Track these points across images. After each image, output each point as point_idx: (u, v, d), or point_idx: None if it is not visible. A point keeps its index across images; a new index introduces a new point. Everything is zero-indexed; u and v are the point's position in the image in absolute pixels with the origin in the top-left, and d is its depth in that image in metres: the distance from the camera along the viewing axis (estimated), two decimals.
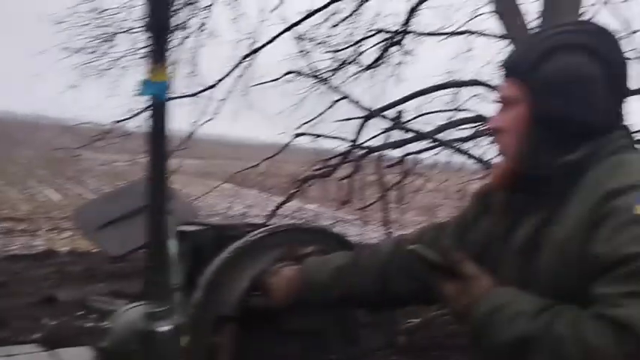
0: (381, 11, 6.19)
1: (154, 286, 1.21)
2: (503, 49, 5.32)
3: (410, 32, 6.12)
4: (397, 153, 5.72)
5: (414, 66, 6.48)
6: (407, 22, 6.02)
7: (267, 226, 1.73)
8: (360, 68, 6.28)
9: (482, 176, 4.92)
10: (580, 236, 1.04)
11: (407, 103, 5.62)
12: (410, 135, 5.24)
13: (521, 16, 4.78)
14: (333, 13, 6.08)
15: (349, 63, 6.26)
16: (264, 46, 6.06)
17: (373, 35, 6.15)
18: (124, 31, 6.27)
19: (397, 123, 5.20)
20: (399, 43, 6.17)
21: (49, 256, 8.48)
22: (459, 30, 6.15)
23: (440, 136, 5.27)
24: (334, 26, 6.09)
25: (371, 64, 6.27)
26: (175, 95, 6.32)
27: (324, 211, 8.19)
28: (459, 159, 5.39)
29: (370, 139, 5.59)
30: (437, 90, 5.73)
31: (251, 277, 1.56)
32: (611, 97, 1.15)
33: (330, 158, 5.88)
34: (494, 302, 1.07)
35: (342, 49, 6.20)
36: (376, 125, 5.49)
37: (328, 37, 6.16)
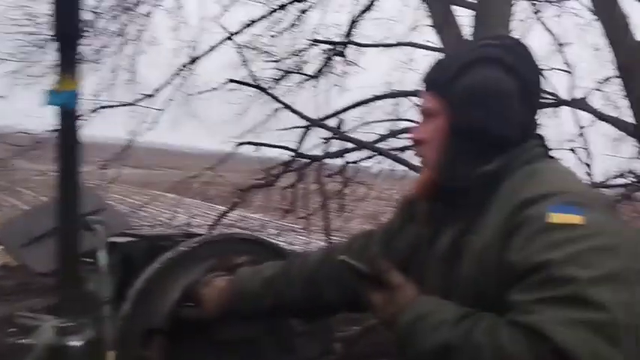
0: (322, 22, 6.26)
1: (65, 300, 1.17)
2: None
3: (352, 43, 6.21)
4: (339, 162, 5.78)
5: (357, 76, 6.58)
6: (349, 33, 6.11)
7: (200, 236, 1.73)
8: (304, 78, 6.32)
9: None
10: (497, 245, 1.07)
11: (349, 112, 5.70)
12: (351, 144, 5.31)
13: (456, 30, 4.93)
14: (276, 23, 6.11)
15: (292, 72, 6.29)
16: (204, 54, 6.02)
17: (316, 45, 6.20)
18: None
19: (338, 132, 5.25)
20: (341, 53, 6.24)
21: None
22: (399, 42, 6.29)
23: (380, 145, 5.35)
24: (275, 36, 6.12)
25: (314, 74, 6.32)
26: (114, 103, 6.20)
27: (269, 221, 8.15)
28: (401, 167, 5.48)
29: (312, 148, 5.63)
30: (378, 100, 5.83)
31: (182, 287, 1.55)
32: (525, 109, 1.18)
33: (273, 167, 5.88)
34: (417, 311, 1.09)
35: (284, 59, 6.22)
36: (319, 134, 5.54)
37: (271, 46, 6.19)
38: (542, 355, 0.92)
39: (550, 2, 5.68)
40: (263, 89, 5.50)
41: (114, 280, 1.61)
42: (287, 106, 5.37)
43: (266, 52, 6.15)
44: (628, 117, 4.61)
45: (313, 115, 5.50)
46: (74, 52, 1.11)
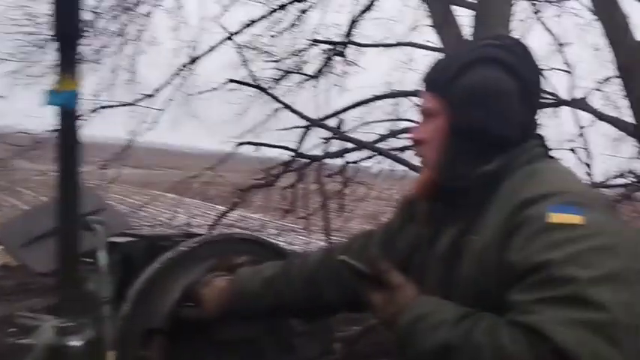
0: (323, 22, 6.26)
1: (65, 300, 1.17)
2: None
3: (352, 43, 6.21)
4: (339, 162, 5.78)
5: (357, 76, 6.58)
6: (349, 33, 6.11)
7: (200, 236, 1.73)
8: (304, 78, 6.32)
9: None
10: (497, 245, 1.07)
11: (349, 112, 5.70)
12: (351, 144, 5.31)
13: (456, 29, 4.93)
14: (276, 23, 6.11)
15: (292, 72, 6.30)
16: (204, 54, 6.02)
17: (316, 45, 6.20)
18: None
19: (337, 132, 5.25)
20: (341, 53, 6.24)
21: None
22: (399, 42, 6.30)
23: (380, 145, 5.35)
24: (274, 36, 6.12)
25: (314, 74, 6.32)
26: (114, 103, 6.20)
27: (269, 221, 8.15)
28: (401, 167, 5.48)
29: (312, 148, 5.63)
30: (378, 100, 5.83)
31: (182, 287, 1.55)
32: (525, 109, 1.18)
33: (273, 167, 5.88)
34: (417, 311, 1.09)
35: (285, 59, 6.23)
36: (319, 134, 5.54)
37: (271, 46, 6.19)
38: (542, 355, 0.92)
39: (550, 2, 5.68)
40: (263, 89, 5.50)
41: (114, 280, 1.61)
42: (287, 106, 5.37)
43: (266, 52, 6.15)
44: (628, 117, 4.61)
45: (313, 115, 5.50)
46: (74, 52, 1.10)
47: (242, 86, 5.64)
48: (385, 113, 5.94)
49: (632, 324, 0.93)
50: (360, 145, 5.28)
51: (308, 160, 5.60)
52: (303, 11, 6.13)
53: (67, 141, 1.15)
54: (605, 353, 0.90)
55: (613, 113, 5.14)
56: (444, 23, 4.88)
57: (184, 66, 6.07)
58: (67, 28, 1.08)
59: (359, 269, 1.17)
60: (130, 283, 1.53)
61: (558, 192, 1.06)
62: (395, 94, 5.85)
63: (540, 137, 1.24)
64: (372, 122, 5.80)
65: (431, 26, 5.16)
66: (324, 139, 5.42)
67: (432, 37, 5.53)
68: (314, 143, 5.61)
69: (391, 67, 6.41)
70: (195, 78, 6.24)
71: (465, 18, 4.92)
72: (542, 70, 1.27)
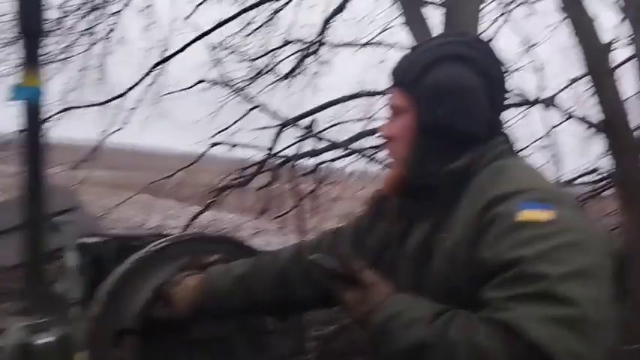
0: (295, 22, 6.26)
1: (33, 299, 1.16)
2: None
3: (325, 43, 6.22)
4: (313, 162, 5.79)
5: (330, 76, 6.60)
6: (322, 32, 6.12)
7: (171, 235, 1.71)
8: (277, 78, 6.31)
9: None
10: (467, 242, 1.07)
11: (323, 112, 5.70)
12: (323, 144, 5.32)
13: (427, 29, 4.97)
14: (248, 23, 6.08)
15: (265, 72, 6.28)
16: (175, 54, 5.95)
17: (288, 45, 6.20)
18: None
19: (310, 132, 5.26)
20: (314, 53, 6.25)
21: None
22: (371, 42, 6.33)
23: (354, 144, 5.37)
24: (247, 35, 6.09)
25: (287, 74, 6.31)
26: (83, 103, 6.11)
27: (243, 221, 8.12)
28: (374, 167, 5.51)
29: (286, 148, 5.62)
30: (351, 99, 5.85)
31: (153, 287, 1.53)
32: (490, 106, 1.20)
33: (247, 167, 5.86)
34: (391, 309, 1.08)
35: (257, 59, 6.21)
36: (292, 134, 5.54)
37: (244, 46, 6.17)
38: (517, 351, 0.92)
39: (519, 3, 5.77)
40: (235, 89, 5.49)
41: (84, 281, 1.59)
42: (258, 106, 5.36)
43: (239, 51, 6.13)
44: (597, 116, 4.70)
45: (287, 115, 5.50)
46: (38, 48, 1.09)
47: (214, 86, 5.61)
48: (359, 113, 5.98)
49: (601, 320, 0.94)
50: (334, 144, 5.29)
51: (282, 160, 5.60)
52: (276, 11, 6.13)
53: (31, 137, 1.14)
54: (578, 349, 0.91)
55: (582, 112, 5.25)
56: (415, 23, 4.92)
57: (155, 66, 6.01)
58: (31, 25, 1.07)
59: (331, 269, 1.15)
60: (100, 284, 1.52)
61: (527, 189, 1.07)
62: (368, 93, 5.88)
63: (505, 134, 1.25)
64: (346, 122, 5.82)
65: (404, 24, 5.20)
66: (298, 138, 5.43)
67: (404, 37, 5.58)
68: (288, 143, 5.62)
69: (364, 67, 6.45)
70: (167, 78, 6.19)
71: (436, 18, 4.97)
72: (506, 67, 1.29)
